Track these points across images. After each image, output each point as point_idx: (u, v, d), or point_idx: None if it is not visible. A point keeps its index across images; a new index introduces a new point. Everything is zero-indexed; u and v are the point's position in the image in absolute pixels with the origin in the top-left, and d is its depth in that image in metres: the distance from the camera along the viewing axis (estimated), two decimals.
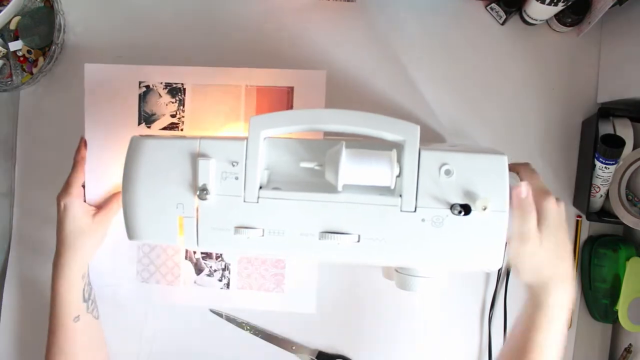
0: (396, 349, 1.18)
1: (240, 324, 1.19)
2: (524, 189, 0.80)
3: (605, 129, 1.06)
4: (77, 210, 1.02)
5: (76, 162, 1.07)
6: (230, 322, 1.19)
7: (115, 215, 1.08)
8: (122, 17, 1.21)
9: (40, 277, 1.22)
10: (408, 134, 0.77)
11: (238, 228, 0.79)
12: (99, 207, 1.07)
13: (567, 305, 0.85)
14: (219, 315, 1.19)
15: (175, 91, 1.10)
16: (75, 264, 1.03)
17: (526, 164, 0.92)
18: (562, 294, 0.84)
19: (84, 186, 1.08)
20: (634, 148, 1.06)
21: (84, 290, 1.05)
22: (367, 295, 1.17)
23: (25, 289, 1.23)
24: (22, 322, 1.23)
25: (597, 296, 1.13)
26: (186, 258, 1.14)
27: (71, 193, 1.03)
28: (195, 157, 0.80)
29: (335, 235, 0.78)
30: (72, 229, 1.02)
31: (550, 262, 0.83)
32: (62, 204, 1.03)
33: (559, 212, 0.83)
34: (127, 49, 1.20)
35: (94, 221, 1.04)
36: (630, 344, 1.11)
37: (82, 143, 1.09)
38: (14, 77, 1.18)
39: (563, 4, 1.03)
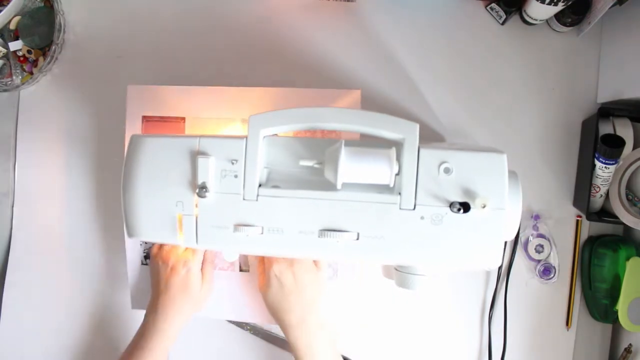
0: (396, 349, 1.18)
1: (240, 324, 1.19)
2: None
3: (605, 129, 1.06)
4: (196, 279, 1.04)
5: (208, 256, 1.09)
6: (230, 321, 1.19)
7: (214, 281, 1.11)
8: (122, 16, 1.21)
9: (40, 277, 1.22)
10: (407, 132, 0.77)
11: (237, 226, 0.79)
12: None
13: (313, 340, 1.00)
14: None
15: None
16: (178, 323, 1.03)
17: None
18: (301, 333, 1.00)
19: None
20: (634, 148, 1.06)
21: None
22: (367, 295, 1.17)
23: (25, 289, 1.23)
24: (22, 322, 1.23)
25: (597, 296, 1.13)
26: None
27: (197, 261, 1.05)
28: (195, 155, 0.80)
29: (335, 233, 0.77)
30: (187, 292, 1.03)
31: (280, 308, 1.00)
32: (185, 268, 1.03)
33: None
34: (127, 48, 1.20)
35: (202, 291, 1.06)
36: (630, 344, 1.11)
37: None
38: (14, 77, 1.18)
39: (563, 4, 1.03)
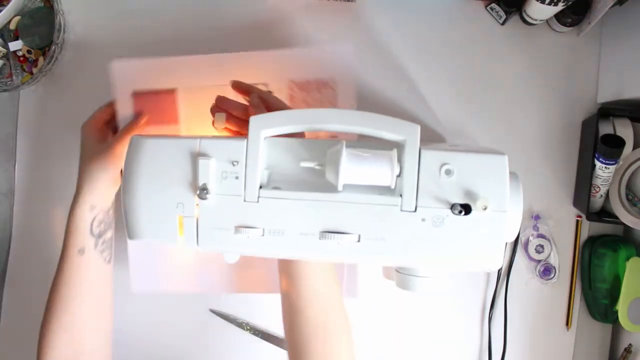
0: (396, 349, 1.18)
1: (240, 324, 1.19)
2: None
3: (605, 129, 1.06)
4: (88, 136, 1.03)
5: (111, 104, 1.09)
6: (230, 322, 1.19)
7: (123, 145, 1.02)
8: (122, 16, 1.21)
9: (40, 277, 1.22)
10: (408, 133, 0.77)
11: (238, 227, 0.79)
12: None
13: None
14: (219, 315, 1.19)
15: None
16: (84, 195, 1.00)
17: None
18: None
19: (108, 122, 1.09)
20: (634, 148, 1.06)
21: (92, 223, 1.01)
22: (367, 296, 1.17)
23: (25, 289, 1.23)
24: (22, 322, 1.23)
25: (597, 296, 1.13)
26: None
27: (89, 120, 1.05)
28: (196, 157, 0.80)
29: (336, 235, 0.77)
30: (83, 155, 1.02)
31: None
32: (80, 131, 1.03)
33: None
34: (127, 48, 1.20)
35: (100, 146, 1.03)
36: (630, 344, 1.11)
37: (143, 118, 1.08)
38: (14, 77, 1.18)
39: (563, 4, 1.03)
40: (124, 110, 1.09)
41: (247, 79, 1.04)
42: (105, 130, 1.08)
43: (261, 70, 1.08)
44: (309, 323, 0.91)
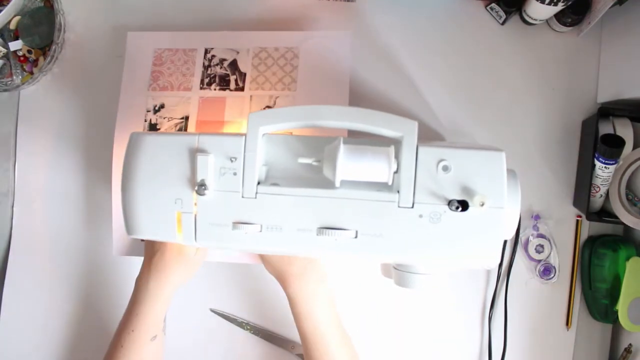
0: (396, 349, 1.18)
1: (240, 324, 1.19)
2: None
3: (605, 129, 1.06)
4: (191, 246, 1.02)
5: None
6: (230, 322, 1.19)
7: (207, 251, 1.08)
8: (122, 16, 1.21)
9: (40, 277, 1.22)
10: (406, 130, 0.77)
11: (236, 223, 0.79)
12: None
13: (312, 293, 0.99)
14: (219, 315, 1.19)
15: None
16: (171, 286, 1.01)
17: None
18: (300, 285, 0.99)
19: None
20: (634, 148, 1.06)
21: (166, 311, 1.03)
22: (366, 294, 1.17)
23: (25, 289, 1.23)
24: (22, 322, 1.23)
25: (597, 296, 1.13)
26: None
27: None
28: (194, 153, 0.80)
29: (333, 231, 0.77)
30: (185, 258, 1.01)
31: (281, 260, 0.99)
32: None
33: None
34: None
35: (197, 255, 1.03)
36: (630, 344, 1.11)
37: None
38: (14, 77, 1.18)
39: (563, 4, 1.03)
40: (133, 82, 1.14)
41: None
42: None
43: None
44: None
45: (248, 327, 1.19)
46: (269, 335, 1.18)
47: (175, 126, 1.09)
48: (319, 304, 0.99)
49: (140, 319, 0.99)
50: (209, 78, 1.12)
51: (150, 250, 1.02)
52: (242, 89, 1.11)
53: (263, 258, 1.02)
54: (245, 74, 1.12)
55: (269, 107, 1.10)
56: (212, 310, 1.20)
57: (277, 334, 1.19)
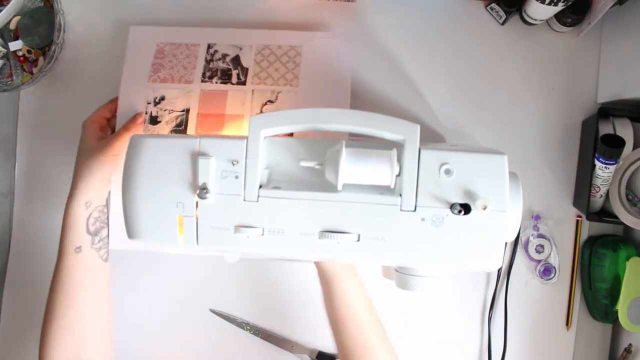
0: (397, 349, 1.18)
1: (240, 324, 1.19)
2: None
3: (605, 129, 1.06)
4: (87, 132, 1.03)
5: (112, 102, 1.11)
6: (230, 322, 1.19)
7: (120, 146, 1.03)
8: (122, 16, 1.21)
9: (40, 277, 1.22)
10: (408, 133, 0.77)
11: (238, 227, 0.79)
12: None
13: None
14: (219, 315, 1.19)
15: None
16: (80, 191, 0.99)
17: None
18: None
19: (109, 120, 1.10)
20: (634, 148, 1.06)
21: (88, 220, 1.00)
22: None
23: (25, 289, 1.23)
24: (22, 322, 1.23)
25: (597, 296, 1.13)
26: None
27: (90, 117, 1.05)
28: (195, 156, 0.80)
29: (335, 234, 0.77)
30: (81, 152, 1.02)
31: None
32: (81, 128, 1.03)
33: None
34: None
35: (97, 143, 1.02)
36: (630, 344, 1.11)
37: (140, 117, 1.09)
38: (14, 77, 1.18)
39: (563, 4, 1.03)
40: (134, 74, 1.13)
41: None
42: (105, 128, 1.09)
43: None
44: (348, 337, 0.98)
45: (248, 327, 1.19)
46: (268, 335, 1.19)
47: (176, 119, 1.09)
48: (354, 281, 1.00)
49: (61, 233, 0.99)
50: (210, 72, 1.12)
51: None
52: (244, 83, 1.11)
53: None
54: (247, 69, 1.12)
55: (270, 101, 1.10)
56: (212, 311, 1.20)
57: (277, 334, 1.19)
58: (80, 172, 1.01)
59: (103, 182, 1.02)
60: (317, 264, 1.00)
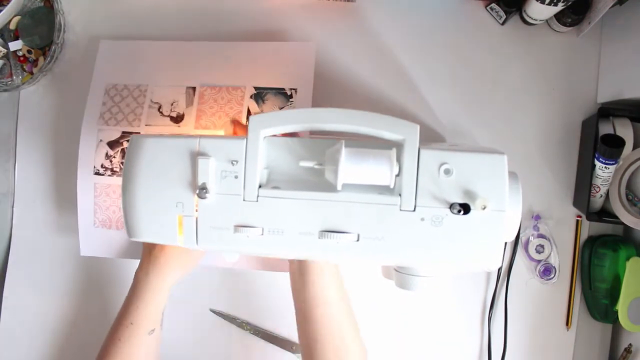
0: (396, 349, 1.18)
1: (240, 324, 1.19)
2: None
3: (605, 129, 1.06)
4: None
5: None
6: (230, 322, 1.19)
7: None
8: (122, 16, 1.21)
9: (40, 278, 1.22)
10: (408, 133, 0.77)
11: (237, 227, 0.79)
12: None
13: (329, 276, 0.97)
14: (219, 315, 1.19)
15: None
16: (170, 279, 1.01)
17: None
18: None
19: None
20: (634, 148, 1.06)
21: (165, 305, 1.04)
22: (367, 296, 1.17)
23: (25, 289, 1.23)
24: (22, 322, 1.23)
25: (597, 296, 1.13)
26: None
27: None
28: (195, 156, 0.80)
29: (335, 234, 0.77)
30: (182, 248, 1.00)
31: None
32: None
33: None
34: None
35: (195, 252, 1.03)
36: (630, 344, 1.11)
37: None
38: (14, 77, 1.18)
39: (563, 4, 1.03)
40: (100, 80, 1.17)
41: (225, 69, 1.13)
42: None
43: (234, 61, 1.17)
44: (320, 326, 0.94)
45: (248, 328, 1.19)
46: (268, 335, 1.19)
47: None
48: (333, 286, 0.97)
49: (139, 312, 0.99)
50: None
51: (150, 243, 1.02)
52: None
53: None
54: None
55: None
56: (212, 311, 1.20)
57: (277, 334, 1.19)
58: (174, 266, 1.01)
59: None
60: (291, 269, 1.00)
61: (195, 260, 1.04)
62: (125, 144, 1.15)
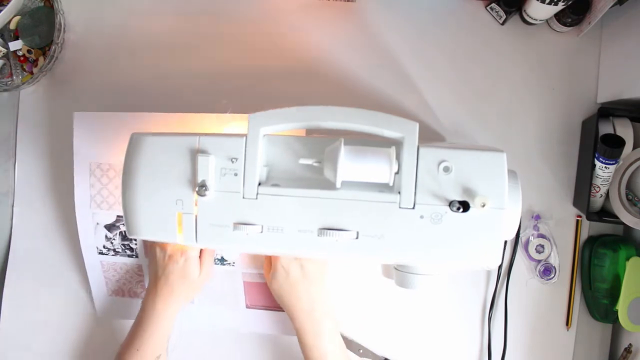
0: (396, 349, 1.18)
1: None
2: None
3: (605, 129, 1.06)
4: (194, 267, 1.04)
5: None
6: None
7: (212, 267, 1.12)
8: (122, 16, 1.21)
9: (40, 278, 1.22)
10: (407, 131, 0.77)
11: (237, 224, 0.79)
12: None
13: (319, 327, 1.02)
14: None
15: None
16: (175, 307, 1.05)
17: None
18: (308, 319, 1.02)
19: None
20: (634, 148, 1.06)
21: (171, 332, 1.07)
22: (366, 295, 1.17)
23: (25, 289, 1.23)
24: (22, 322, 1.23)
25: (597, 296, 1.13)
26: None
27: (194, 249, 1.05)
28: (195, 154, 0.80)
29: (334, 232, 0.77)
30: (187, 280, 1.04)
31: (290, 294, 1.02)
32: (183, 257, 1.03)
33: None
34: (127, 48, 1.20)
35: (200, 277, 1.06)
36: (630, 344, 1.11)
37: None
38: (14, 77, 1.18)
39: (563, 3, 1.03)
40: (83, 157, 1.15)
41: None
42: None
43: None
44: None
45: None
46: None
47: None
48: (325, 337, 1.02)
49: (146, 338, 1.03)
50: None
51: (155, 275, 1.05)
52: None
53: (272, 288, 1.04)
54: None
55: None
56: None
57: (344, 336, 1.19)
58: (180, 297, 1.05)
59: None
60: (273, 292, 1.05)
61: (198, 287, 1.07)
62: (122, 227, 1.16)
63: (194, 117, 1.10)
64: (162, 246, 1.04)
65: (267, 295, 1.13)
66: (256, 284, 1.14)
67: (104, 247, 1.16)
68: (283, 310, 1.06)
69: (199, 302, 1.16)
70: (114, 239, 1.16)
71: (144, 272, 1.18)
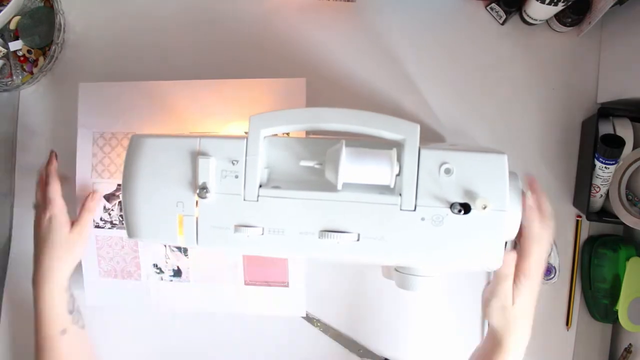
0: (396, 349, 1.18)
1: (312, 320, 1.18)
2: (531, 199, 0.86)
3: (605, 129, 1.06)
4: (60, 223, 1.03)
5: (50, 174, 1.06)
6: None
7: (89, 227, 1.10)
8: (122, 16, 1.21)
9: None
10: (408, 132, 0.77)
11: (238, 227, 0.79)
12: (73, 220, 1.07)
13: (523, 346, 0.95)
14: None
15: None
16: (58, 277, 1.03)
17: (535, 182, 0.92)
18: (521, 337, 0.93)
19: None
20: (634, 148, 1.06)
21: (67, 302, 1.04)
22: (367, 295, 1.17)
23: (25, 289, 1.22)
24: (22, 322, 1.23)
25: (597, 296, 1.13)
26: None
27: (56, 205, 1.03)
28: (195, 156, 0.80)
29: (335, 234, 0.77)
30: (55, 241, 1.02)
31: (518, 315, 0.91)
32: (47, 216, 1.02)
33: (540, 258, 0.87)
34: (126, 48, 1.20)
35: (71, 233, 1.04)
36: (630, 344, 1.11)
37: (53, 155, 1.09)
38: (14, 77, 1.18)
39: (563, 4, 1.03)
40: (87, 128, 1.16)
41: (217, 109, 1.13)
42: (64, 206, 1.08)
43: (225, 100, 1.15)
44: None
45: (319, 324, 1.18)
46: (338, 334, 1.18)
47: None
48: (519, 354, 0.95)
49: (41, 317, 1.02)
50: None
51: (35, 253, 1.04)
52: None
53: (486, 312, 0.93)
54: None
55: None
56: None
57: (346, 335, 1.19)
58: (58, 262, 1.03)
59: (75, 265, 1.07)
60: (489, 316, 0.94)
61: (78, 249, 1.06)
62: None
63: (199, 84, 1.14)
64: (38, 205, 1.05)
65: (268, 268, 1.12)
66: (256, 257, 1.12)
67: (101, 219, 1.16)
68: (284, 286, 1.05)
69: (194, 279, 1.16)
70: (112, 210, 1.16)
71: (139, 246, 1.18)
